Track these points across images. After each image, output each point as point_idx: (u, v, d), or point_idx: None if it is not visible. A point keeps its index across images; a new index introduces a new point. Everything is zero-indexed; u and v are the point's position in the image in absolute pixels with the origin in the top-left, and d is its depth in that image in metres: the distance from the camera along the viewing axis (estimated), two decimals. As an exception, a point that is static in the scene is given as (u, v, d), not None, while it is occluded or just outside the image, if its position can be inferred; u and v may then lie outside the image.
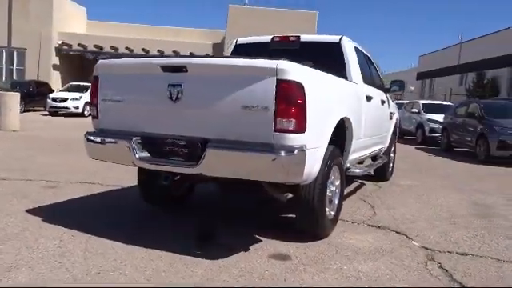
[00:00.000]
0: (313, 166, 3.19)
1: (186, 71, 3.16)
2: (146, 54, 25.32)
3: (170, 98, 3.21)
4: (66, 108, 19.93)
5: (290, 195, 3.29)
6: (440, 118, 14.18)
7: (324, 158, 3.42)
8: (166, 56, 3.49)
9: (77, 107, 20.08)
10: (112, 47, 26.29)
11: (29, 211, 4.22)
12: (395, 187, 6.61)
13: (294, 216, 4.38)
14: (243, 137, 3.04)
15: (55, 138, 10.87)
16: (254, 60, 3.05)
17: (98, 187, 5.50)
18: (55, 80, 26.20)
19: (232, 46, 5.43)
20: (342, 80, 4.18)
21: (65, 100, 20.02)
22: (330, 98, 3.60)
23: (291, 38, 5.03)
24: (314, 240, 3.73)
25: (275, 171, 2.95)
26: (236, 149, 2.98)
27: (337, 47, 4.81)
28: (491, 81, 25.87)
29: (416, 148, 13.69)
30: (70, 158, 7.63)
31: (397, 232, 4.19)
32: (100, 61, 3.65)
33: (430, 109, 15.84)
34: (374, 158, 6.35)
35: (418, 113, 15.82)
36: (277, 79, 2.91)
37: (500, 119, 10.65)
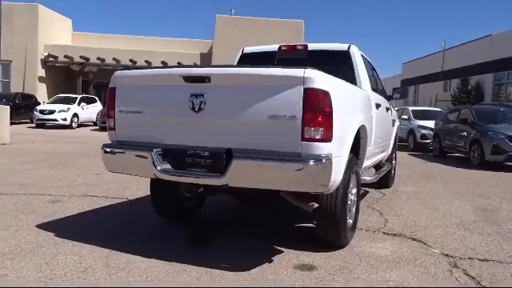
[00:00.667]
0: (337, 174, 3.17)
1: (209, 81, 3.12)
2: (133, 63, 25.14)
3: (193, 108, 3.16)
4: (54, 120, 19.67)
5: (316, 205, 3.26)
6: (430, 124, 14.36)
7: (345, 167, 3.40)
8: (187, 66, 3.42)
9: (65, 119, 19.87)
10: (98, 58, 26.05)
11: (39, 226, 4.11)
12: (400, 194, 6.63)
13: (308, 225, 4.40)
14: (269, 146, 3.00)
15: (47, 150, 10.65)
16: (280, 69, 3.03)
17: (103, 200, 5.39)
18: (41, 92, 25.83)
19: (238, 56, 5.40)
20: (358, 88, 4.19)
21: (52, 112, 19.77)
22: (351, 107, 3.60)
23: (298, 47, 5.04)
24: (335, 249, 3.71)
25: (303, 180, 2.92)
26: (263, 159, 2.94)
27: (346, 55, 4.83)
28: (476, 87, 26.34)
29: (409, 154, 13.81)
30: (66, 172, 7.49)
31: (413, 239, 4.19)
32: (117, 72, 3.58)
33: (419, 115, 16.01)
34: (378, 165, 6.37)
35: (408, 119, 15.98)
36: (304, 88, 2.89)
37: (492, 124, 10.84)
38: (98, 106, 22.69)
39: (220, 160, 3.13)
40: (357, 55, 4.85)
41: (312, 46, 4.98)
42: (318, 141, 2.92)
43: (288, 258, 3.48)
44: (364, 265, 3.40)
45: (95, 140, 14.17)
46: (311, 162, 2.86)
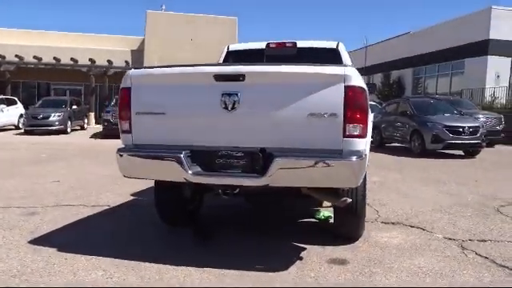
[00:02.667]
0: (364, 170, 3.26)
1: (243, 80, 3.04)
2: (57, 61, 23.48)
3: (226, 107, 3.05)
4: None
5: (349, 200, 3.32)
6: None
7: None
8: (215, 64, 3.27)
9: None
10: (17, 56, 23.97)
11: (32, 243, 3.75)
12: (371, 184, 6.93)
13: (310, 220, 4.48)
14: (307, 144, 3.01)
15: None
16: (320, 67, 3.03)
17: (83, 209, 5.02)
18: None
19: (223, 53, 5.29)
20: None
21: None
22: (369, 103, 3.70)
23: (288, 44, 5.06)
24: (352, 242, 3.81)
25: (345, 176, 2.97)
26: (307, 157, 2.93)
27: (335, 53, 4.95)
28: (397, 81, 28.27)
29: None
30: (19, 181, 6.85)
31: (412, 226, 4.43)
32: (132, 71, 3.33)
33: None
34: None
35: None
36: (344, 86, 2.93)
37: (430, 116, 11.74)
38: (19, 108, 20.93)
39: (256, 160, 3.07)
40: (344, 53, 4.99)
41: (301, 44, 5.03)
42: (357, 137, 2.98)
43: (316, 254, 3.52)
44: (388, 254, 3.54)
45: (28, 145, 13.10)
46: (354, 158, 2.92)
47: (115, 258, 3.33)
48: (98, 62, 23.54)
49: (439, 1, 77.96)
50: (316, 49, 5.07)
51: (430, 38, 24.48)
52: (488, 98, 19.05)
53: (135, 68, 3.35)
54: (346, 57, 4.97)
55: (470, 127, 11.07)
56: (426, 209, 5.23)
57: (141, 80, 3.29)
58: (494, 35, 20.23)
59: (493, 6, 20.34)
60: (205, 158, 3.16)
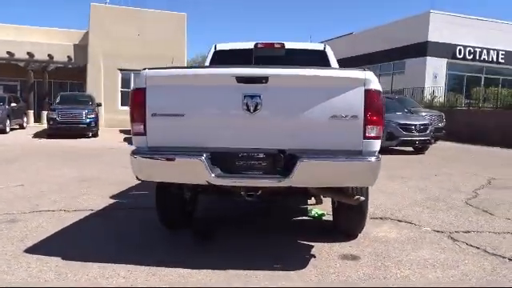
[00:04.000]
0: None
1: (266, 82, 3.07)
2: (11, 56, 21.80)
3: (248, 109, 3.07)
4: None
5: (363, 198, 3.45)
6: None
7: None
8: (237, 66, 3.24)
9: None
10: None
11: (30, 252, 3.57)
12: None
13: (303, 218, 4.61)
14: (328, 145, 3.10)
15: None
16: (343, 71, 3.14)
17: (66, 214, 4.80)
18: None
19: (211, 52, 5.25)
20: None
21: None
22: None
23: (276, 45, 5.13)
24: (353, 238, 3.99)
25: (365, 176, 3.11)
26: (331, 158, 3.03)
27: (322, 54, 5.10)
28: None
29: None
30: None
31: (399, 221, 4.70)
32: (146, 71, 3.23)
33: None
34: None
35: None
36: (365, 89, 3.06)
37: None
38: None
39: (278, 161, 3.12)
40: (331, 54, 5.16)
41: (289, 45, 5.12)
42: (375, 138, 3.13)
43: (325, 251, 3.63)
44: (392, 248, 3.75)
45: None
46: (374, 159, 3.06)
47: (127, 263, 3.24)
48: (37, 57, 22.13)
49: (383, 3, 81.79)
50: (304, 50, 5.19)
51: (372, 39, 25.59)
52: (428, 97, 20.30)
53: (149, 68, 3.25)
54: (332, 58, 5.14)
55: (421, 125, 11.80)
56: (404, 204, 5.55)
57: (157, 81, 3.21)
58: (432, 38, 21.58)
59: (431, 11, 21.68)
60: (225, 159, 3.16)
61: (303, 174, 3.02)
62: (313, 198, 4.51)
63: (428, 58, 21.71)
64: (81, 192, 5.96)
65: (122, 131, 18.18)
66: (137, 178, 3.30)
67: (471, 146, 14.60)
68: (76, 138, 15.13)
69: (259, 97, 3.07)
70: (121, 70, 22.52)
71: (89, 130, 16.01)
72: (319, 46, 5.21)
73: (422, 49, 21.86)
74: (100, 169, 8.15)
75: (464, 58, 22.27)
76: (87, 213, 4.87)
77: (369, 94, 3.07)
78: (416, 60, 22.24)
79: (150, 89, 3.20)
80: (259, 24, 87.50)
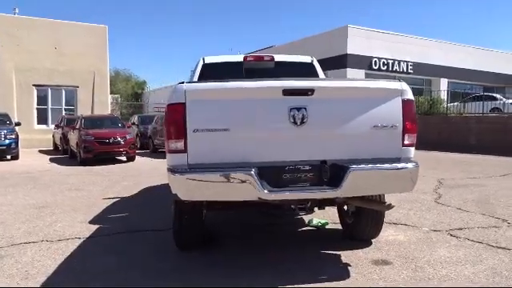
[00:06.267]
0: None
1: (312, 94, 3.08)
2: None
3: (294, 122, 3.05)
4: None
5: (394, 204, 3.57)
6: None
7: None
8: (283, 79, 3.16)
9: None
10: None
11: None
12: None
13: (309, 229, 4.67)
14: (370, 154, 3.20)
15: None
16: (382, 82, 3.26)
17: (54, 245, 4.33)
18: None
19: (199, 66, 5.10)
20: None
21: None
22: None
23: (266, 58, 5.16)
24: (368, 243, 4.12)
25: (408, 182, 3.24)
26: (379, 167, 3.12)
27: (310, 66, 5.23)
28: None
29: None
30: None
31: (395, 223, 4.96)
32: (187, 85, 3.05)
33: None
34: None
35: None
36: (402, 99, 3.20)
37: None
38: None
39: (325, 172, 3.13)
40: (318, 66, 5.30)
41: (278, 58, 5.17)
42: (411, 146, 3.29)
43: (355, 258, 3.71)
44: (411, 250, 3.95)
45: None
46: (413, 165, 3.21)
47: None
48: None
49: (303, 16, 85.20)
50: (293, 63, 5.27)
51: (294, 52, 26.58)
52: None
53: (188, 82, 3.08)
54: (319, 70, 5.29)
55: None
56: (386, 207, 5.82)
57: (199, 95, 3.06)
58: (350, 50, 23.04)
59: (349, 25, 23.17)
60: (272, 174, 3.10)
61: (353, 184, 3.06)
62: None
63: (348, 69, 23.08)
64: (52, 220, 5.42)
65: (41, 151, 16.84)
66: (175, 198, 3.10)
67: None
68: (-5, 161, 13.66)
69: (305, 109, 3.08)
70: (36, 85, 20.80)
71: (8, 153, 14.47)
72: (306, 59, 5.33)
73: (342, 61, 23.19)
74: (50, 193, 7.45)
75: (379, 69, 24.05)
76: (76, 242, 4.44)
77: (406, 103, 3.23)
78: (337, 71, 23.52)
79: (191, 103, 3.04)
80: (177, 38, 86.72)
